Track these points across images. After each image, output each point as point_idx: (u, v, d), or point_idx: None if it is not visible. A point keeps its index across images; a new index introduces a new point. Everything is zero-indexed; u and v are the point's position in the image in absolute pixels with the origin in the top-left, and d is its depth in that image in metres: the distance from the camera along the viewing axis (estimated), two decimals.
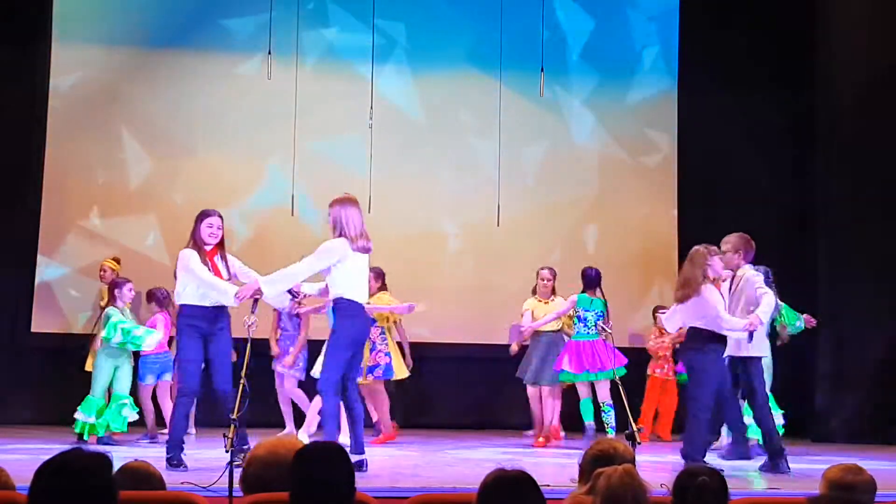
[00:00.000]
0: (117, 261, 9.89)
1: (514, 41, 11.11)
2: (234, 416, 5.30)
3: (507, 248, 11.13)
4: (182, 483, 5.45)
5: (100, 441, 8.58)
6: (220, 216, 7.18)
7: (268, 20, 10.38)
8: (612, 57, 11.77)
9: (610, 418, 8.98)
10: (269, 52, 10.16)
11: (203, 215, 7.14)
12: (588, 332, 9.13)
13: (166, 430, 8.72)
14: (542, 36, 10.81)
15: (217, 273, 6.95)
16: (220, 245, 7.12)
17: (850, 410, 10.40)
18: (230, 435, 4.93)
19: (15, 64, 10.73)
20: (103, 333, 8.68)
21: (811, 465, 7.68)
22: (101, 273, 9.73)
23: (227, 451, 4.80)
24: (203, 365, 7.03)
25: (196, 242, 7.02)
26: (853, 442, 10.07)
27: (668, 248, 11.54)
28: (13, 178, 10.69)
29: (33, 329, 10.54)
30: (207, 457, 7.19)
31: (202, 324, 6.92)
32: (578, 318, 9.21)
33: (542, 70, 10.40)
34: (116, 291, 8.93)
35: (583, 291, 9.21)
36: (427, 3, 11.54)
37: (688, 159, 11.70)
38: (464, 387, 10.71)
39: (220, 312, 6.99)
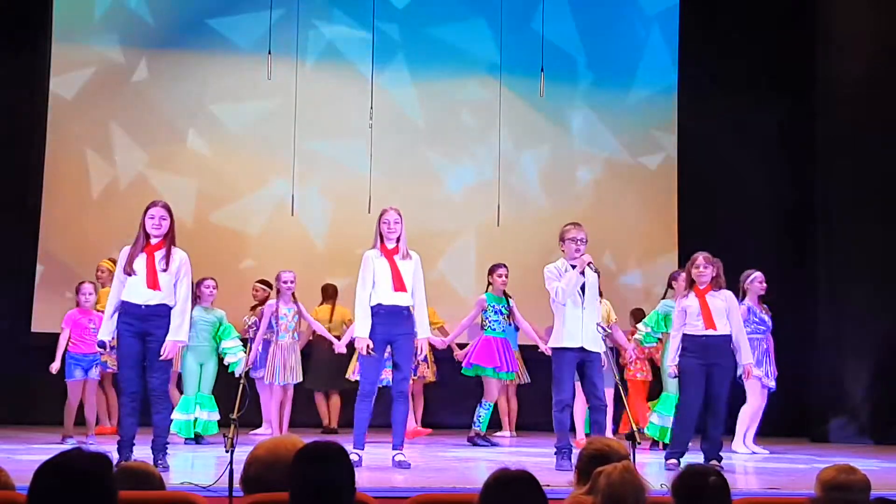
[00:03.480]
0: (114, 262, 9.79)
1: (513, 42, 11.11)
2: (234, 416, 5.28)
3: (507, 248, 11.11)
4: (182, 483, 5.46)
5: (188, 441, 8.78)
6: (166, 207, 6.71)
7: (268, 20, 10.39)
8: (612, 57, 11.77)
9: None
10: (269, 52, 10.16)
11: (147, 207, 6.72)
12: (498, 329, 9.42)
13: (90, 432, 8.77)
14: (541, 37, 10.80)
15: (152, 271, 6.56)
16: (168, 237, 6.66)
17: (848, 411, 10.39)
18: (230, 434, 4.91)
19: (15, 64, 10.72)
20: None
21: (811, 465, 7.67)
22: (99, 274, 9.46)
23: (226, 451, 4.78)
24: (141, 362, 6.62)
25: (138, 238, 6.65)
26: (852, 442, 10.08)
27: (668, 249, 11.53)
28: (13, 178, 10.69)
29: (33, 329, 10.54)
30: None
31: (136, 322, 6.58)
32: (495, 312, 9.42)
33: (542, 71, 10.40)
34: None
35: None
36: (427, 3, 11.54)
37: (688, 160, 11.69)
38: (464, 387, 10.66)
39: (156, 310, 6.61)
